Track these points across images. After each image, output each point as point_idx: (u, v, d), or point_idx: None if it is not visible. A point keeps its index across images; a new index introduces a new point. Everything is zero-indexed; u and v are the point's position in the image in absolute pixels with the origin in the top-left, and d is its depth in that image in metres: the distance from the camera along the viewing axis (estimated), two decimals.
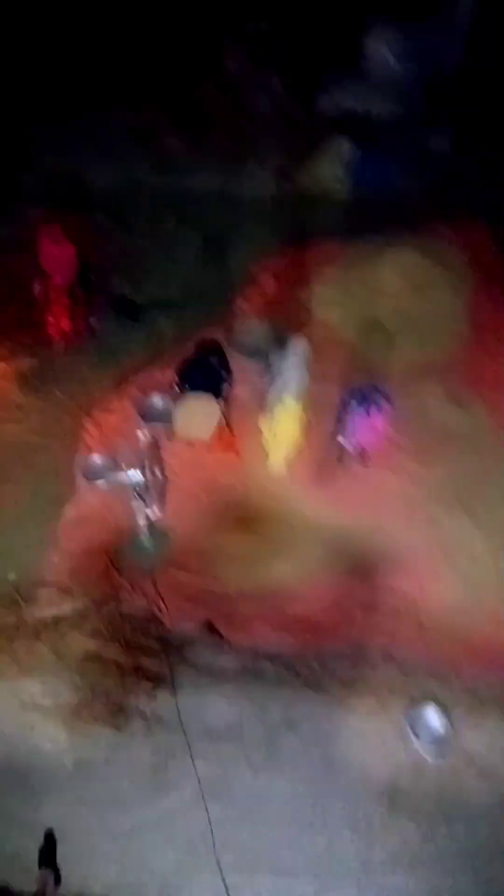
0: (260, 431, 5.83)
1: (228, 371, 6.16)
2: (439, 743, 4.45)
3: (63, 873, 3.92)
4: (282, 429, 5.68)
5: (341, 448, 5.78)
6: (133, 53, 9.14)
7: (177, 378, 6.08)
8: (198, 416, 5.84)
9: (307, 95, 9.60)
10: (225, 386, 6.07)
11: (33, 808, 4.15)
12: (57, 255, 6.30)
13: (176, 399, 5.97)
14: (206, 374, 6.02)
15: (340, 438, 5.72)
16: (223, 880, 3.96)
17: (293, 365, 5.78)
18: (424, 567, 5.32)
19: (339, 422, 5.73)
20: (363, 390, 5.59)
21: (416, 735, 4.48)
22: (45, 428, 6.10)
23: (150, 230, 8.12)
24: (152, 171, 8.83)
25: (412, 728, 4.49)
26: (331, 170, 8.81)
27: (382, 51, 9.39)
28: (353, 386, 5.76)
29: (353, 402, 5.56)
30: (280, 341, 6.69)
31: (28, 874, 3.84)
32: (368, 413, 5.48)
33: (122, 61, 9.13)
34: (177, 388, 6.02)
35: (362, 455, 5.81)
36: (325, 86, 9.57)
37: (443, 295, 6.99)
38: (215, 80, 9.68)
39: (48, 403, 6.27)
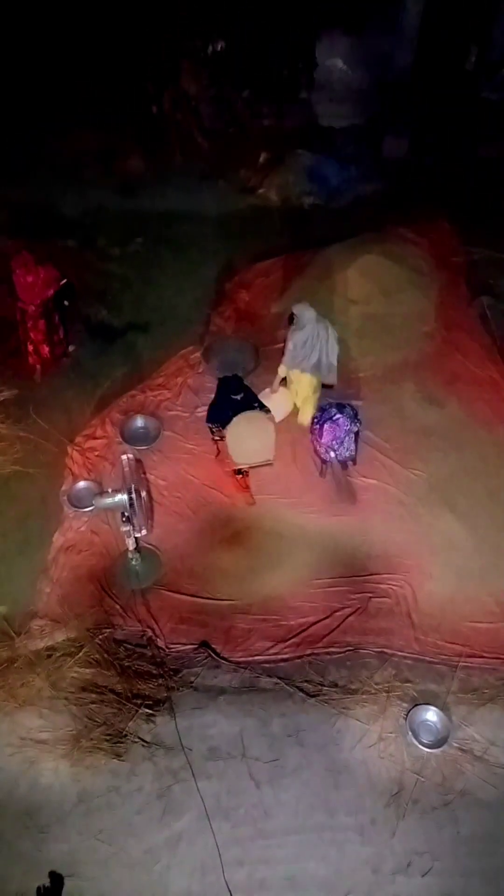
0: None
1: (256, 401, 5.86)
2: (440, 742, 4.47)
3: None
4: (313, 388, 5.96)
5: (322, 462, 5.85)
6: (91, 77, 9.22)
7: (209, 425, 5.94)
8: (253, 438, 5.62)
9: (266, 109, 9.73)
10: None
11: (37, 844, 4.11)
12: (34, 282, 6.32)
13: (219, 436, 5.78)
14: (235, 410, 5.72)
15: (319, 452, 5.79)
16: None
17: (314, 328, 5.71)
18: (413, 566, 5.36)
19: (313, 436, 5.85)
20: (326, 408, 5.71)
21: (418, 736, 4.49)
22: (29, 457, 6.08)
23: (121, 253, 8.18)
24: (118, 194, 8.92)
25: (413, 729, 4.51)
26: (293, 180, 8.93)
27: (336, 61, 9.54)
28: (322, 404, 5.88)
29: (317, 420, 5.70)
30: (255, 353, 6.79)
31: None
32: (322, 428, 5.62)
33: (80, 85, 9.21)
34: (213, 434, 5.89)
35: (342, 465, 5.88)
36: (282, 98, 9.71)
37: (411, 296, 7.09)
38: (174, 100, 9.78)
39: (30, 433, 6.26)
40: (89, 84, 9.18)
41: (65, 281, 6.51)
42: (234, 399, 5.83)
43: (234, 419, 5.59)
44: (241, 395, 5.84)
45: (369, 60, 9.49)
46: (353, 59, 9.55)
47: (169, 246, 8.18)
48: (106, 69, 9.15)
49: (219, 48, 9.61)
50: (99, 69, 9.14)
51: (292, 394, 6.14)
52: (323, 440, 5.63)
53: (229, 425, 5.59)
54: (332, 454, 5.74)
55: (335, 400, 5.94)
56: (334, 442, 5.65)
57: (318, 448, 5.79)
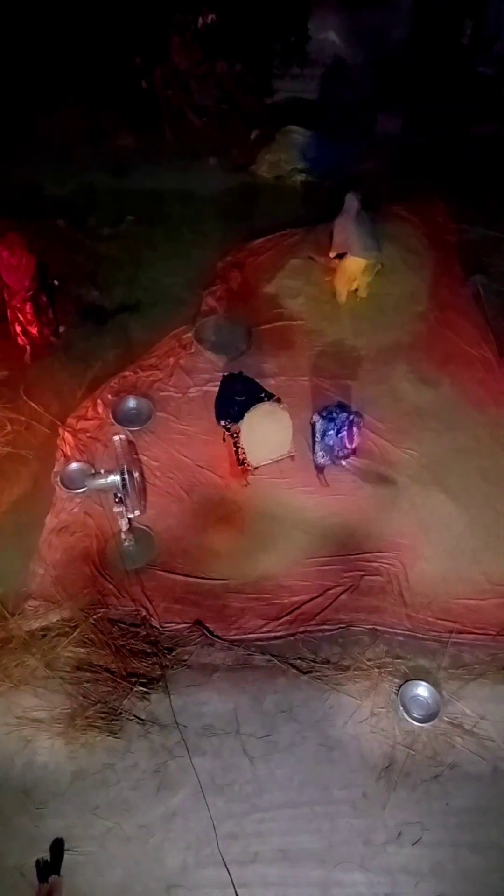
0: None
1: (256, 395, 5.60)
2: (431, 716, 4.53)
3: (67, 883, 3.94)
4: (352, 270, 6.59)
5: (320, 465, 5.74)
6: (79, 53, 9.02)
7: (219, 422, 5.77)
8: (271, 432, 5.49)
9: (258, 85, 9.57)
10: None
11: (34, 820, 4.16)
12: (17, 265, 6.24)
13: (234, 431, 5.57)
14: (242, 406, 5.52)
15: (318, 456, 5.67)
16: (229, 874, 4.00)
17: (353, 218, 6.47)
18: (405, 545, 5.39)
19: (313, 441, 5.64)
20: (333, 413, 5.50)
21: (409, 711, 4.55)
22: (20, 439, 6.06)
23: (112, 233, 8.08)
24: (109, 173, 8.79)
25: (404, 704, 4.57)
26: (285, 158, 8.82)
27: (329, 35, 9.37)
28: (322, 409, 5.60)
29: (324, 426, 5.48)
30: (247, 334, 6.75)
31: (32, 890, 3.87)
32: (351, 433, 5.47)
33: (69, 61, 9.01)
34: (225, 430, 5.69)
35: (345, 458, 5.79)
36: (274, 74, 9.56)
37: (404, 276, 7.05)
38: (165, 75, 9.60)
39: (21, 414, 6.23)
40: (78, 60, 8.99)
41: (45, 273, 6.44)
42: (238, 400, 5.60)
43: (247, 415, 5.40)
44: (244, 397, 5.57)
45: (363, 35, 9.33)
46: (347, 34, 9.39)
47: (160, 225, 8.08)
48: (95, 44, 8.96)
49: (210, 21, 9.41)
50: (87, 44, 8.95)
51: (345, 277, 6.73)
52: (354, 444, 5.54)
53: (242, 423, 5.43)
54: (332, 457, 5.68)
55: (329, 402, 5.70)
56: (350, 444, 5.57)
57: (325, 452, 5.63)
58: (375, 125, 9.22)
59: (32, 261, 6.29)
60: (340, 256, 6.72)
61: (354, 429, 5.48)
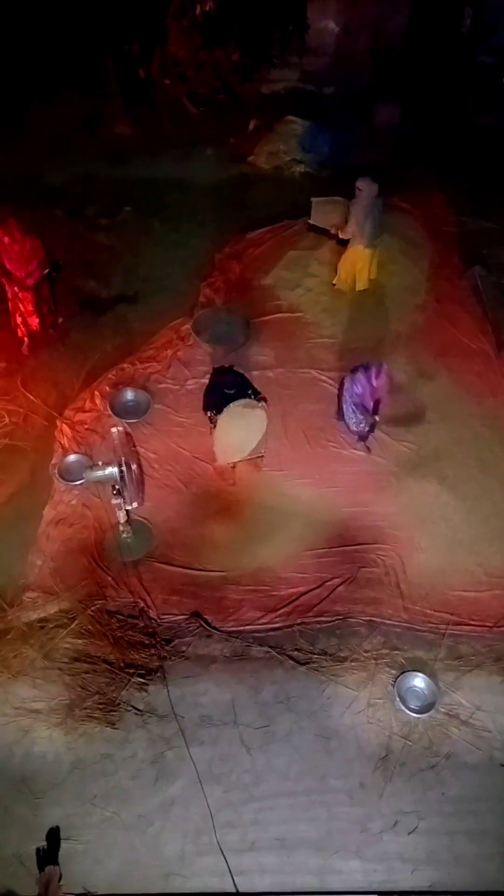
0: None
1: (244, 391, 5.61)
2: (428, 707, 4.56)
3: (66, 871, 3.97)
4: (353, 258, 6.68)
5: (359, 433, 5.78)
6: (77, 41, 8.94)
7: (205, 412, 5.76)
8: (245, 430, 5.43)
9: (256, 74, 9.50)
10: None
11: (33, 809, 4.19)
12: (20, 251, 6.19)
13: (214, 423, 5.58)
14: (231, 399, 5.47)
15: (351, 423, 5.73)
16: (226, 862, 4.04)
17: (367, 207, 6.40)
18: (403, 537, 5.40)
19: (343, 407, 5.71)
20: (360, 368, 5.52)
21: (406, 701, 4.58)
22: (18, 431, 6.05)
23: (110, 223, 8.03)
24: (106, 161, 8.72)
25: (401, 695, 4.59)
26: (284, 148, 8.77)
27: (328, 23, 9.29)
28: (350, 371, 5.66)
29: (353, 378, 5.52)
30: (245, 326, 6.74)
31: (31, 878, 3.90)
32: (376, 374, 5.43)
33: (67, 49, 8.93)
34: (211, 422, 5.64)
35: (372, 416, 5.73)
36: (273, 63, 9.48)
37: (403, 267, 7.04)
38: (162, 64, 9.53)
39: (19, 406, 6.22)
40: (75, 48, 8.90)
41: (46, 263, 6.37)
42: (227, 393, 5.57)
43: (224, 411, 5.40)
44: (234, 390, 5.57)
45: (362, 24, 9.26)
46: (346, 23, 9.31)
47: (158, 215, 8.04)
48: (92, 31, 8.87)
49: (208, 9, 9.32)
50: (84, 31, 8.86)
51: (347, 263, 6.78)
52: (383, 383, 5.51)
53: (220, 417, 5.43)
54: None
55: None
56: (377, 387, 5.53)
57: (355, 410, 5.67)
58: (374, 115, 9.16)
59: (38, 245, 6.21)
60: (344, 243, 6.73)
61: (375, 369, 5.45)
